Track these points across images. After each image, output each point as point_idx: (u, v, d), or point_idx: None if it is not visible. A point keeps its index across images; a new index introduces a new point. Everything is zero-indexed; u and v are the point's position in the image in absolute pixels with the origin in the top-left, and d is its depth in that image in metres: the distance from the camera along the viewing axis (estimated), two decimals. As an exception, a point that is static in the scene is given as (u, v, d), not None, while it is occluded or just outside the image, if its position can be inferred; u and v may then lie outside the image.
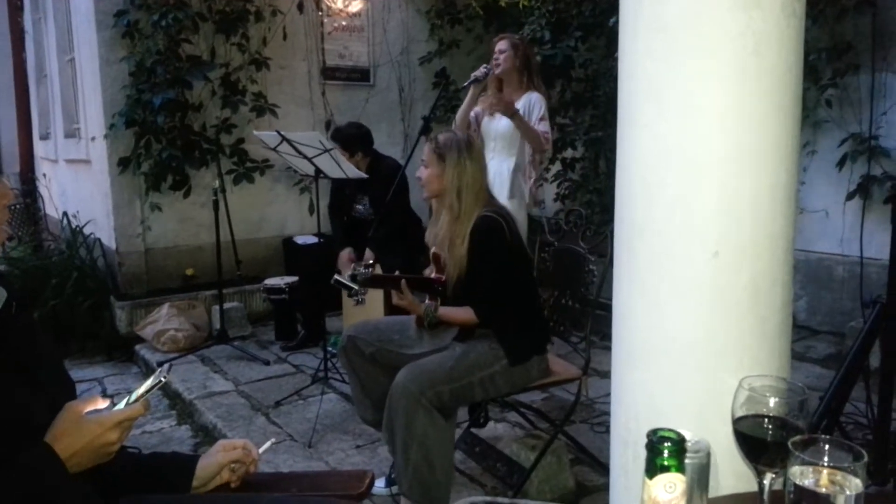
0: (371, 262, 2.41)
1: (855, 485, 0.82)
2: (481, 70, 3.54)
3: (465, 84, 3.62)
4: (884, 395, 2.31)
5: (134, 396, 1.11)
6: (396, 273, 2.45)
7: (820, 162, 4.05)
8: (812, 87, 3.88)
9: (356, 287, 2.37)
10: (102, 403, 1.10)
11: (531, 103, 3.55)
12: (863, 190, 3.84)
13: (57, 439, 1.04)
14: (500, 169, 3.54)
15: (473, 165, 2.38)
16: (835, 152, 3.97)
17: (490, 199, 2.45)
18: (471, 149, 2.41)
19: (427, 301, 2.45)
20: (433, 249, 2.51)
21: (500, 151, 3.58)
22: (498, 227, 2.33)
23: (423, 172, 2.44)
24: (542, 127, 3.55)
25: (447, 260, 2.38)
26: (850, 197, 3.93)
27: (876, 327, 2.38)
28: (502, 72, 3.54)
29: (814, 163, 4.07)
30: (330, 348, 3.74)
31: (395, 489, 2.48)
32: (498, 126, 3.58)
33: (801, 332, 4.16)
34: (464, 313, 2.37)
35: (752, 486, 1.28)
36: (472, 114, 3.65)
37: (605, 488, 2.56)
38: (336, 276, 2.46)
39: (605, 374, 3.52)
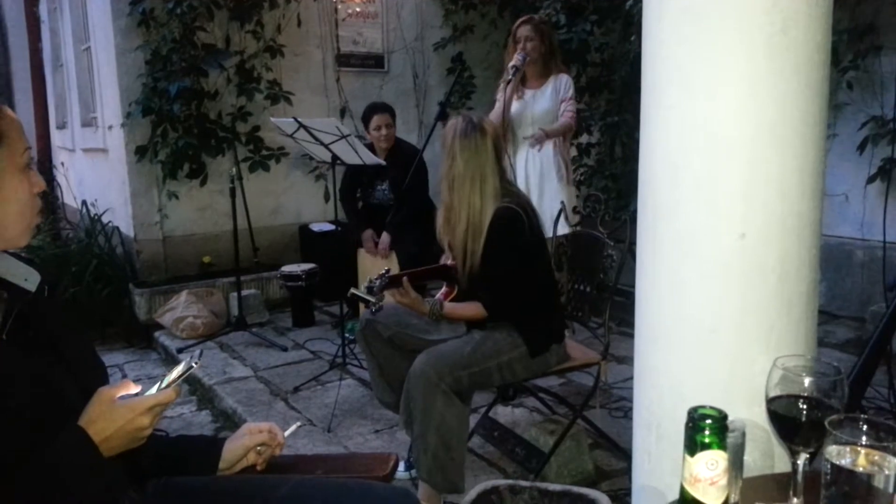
0: (386, 270, 2.38)
1: (893, 464, 0.82)
2: (517, 58, 3.49)
3: (509, 77, 3.51)
4: (907, 380, 2.29)
5: (165, 382, 1.12)
6: (392, 273, 2.39)
7: (840, 145, 4.00)
8: (832, 69, 3.82)
9: (373, 299, 2.35)
10: (134, 389, 1.10)
11: (560, 83, 3.55)
12: (884, 173, 3.80)
13: (90, 423, 1.05)
14: (545, 153, 3.54)
15: (467, 152, 2.27)
16: (855, 136, 3.92)
17: (507, 187, 2.37)
18: (467, 135, 2.28)
19: (444, 289, 2.45)
20: (448, 238, 2.50)
21: None
22: (517, 218, 2.27)
23: (442, 170, 2.38)
24: (571, 107, 3.55)
25: (456, 252, 2.34)
26: (871, 180, 3.88)
27: (899, 311, 2.36)
28: (532, 59, 3.52)
29: (834, 146, 4.02)
30: (347, 334, 3.76)
31: (414, 472, 2.50)
32: (535, 109, 3.56)
33: (821, 316, 4.07)
34: (472, 308, 2.35)
35: (779, 468, 1.28)
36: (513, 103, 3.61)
37: (624, 472, 2.57)
38: (352, 290, 2.44)
39: (623, 360, 3.52)
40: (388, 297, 2.43)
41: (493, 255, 2.27)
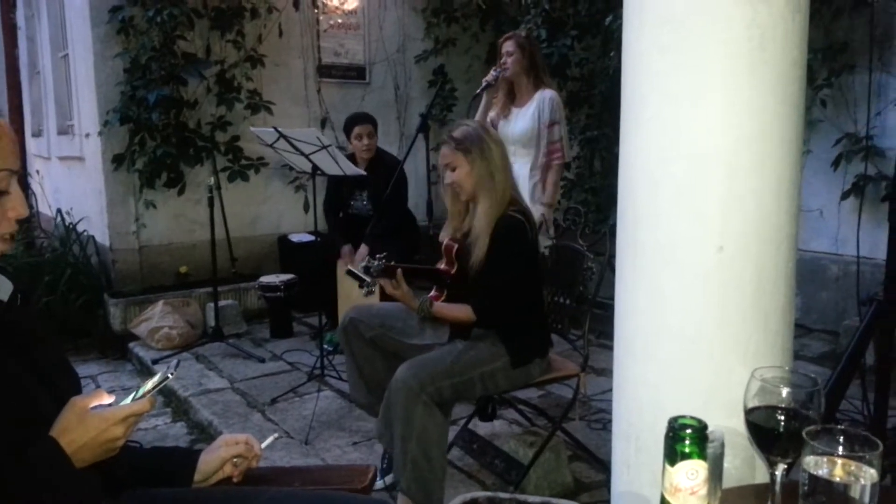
0: (384, 253, 2.38)
1: (870, 475, 0.83)
2: (492, 74, 3.51)
3: (478, 91, 3.56)
4: (880, 392, 2.32)
5: (140, 392, 1.10)
6: (392, 262, 2.38)
7: (814, 162, 4.06)
8: (807, 86, 3.89)
9: (368, 279, 2.34)
10: (108, 399, 1.08)
11: (543, 103, 3.50)
12: (858, 189, 3.86)
13: (62, 434, 1.03)
14: (521, 172, 3.49)
15: (497, 147, 2.35)
16: (829, 152, 3.98)
17: (514, 195, 2.40)
18: (489, 133, 2.38)
19: (433, 293, 2.45)
20: (446, 241, 2.49)
21: (520, 155, 3.54)
22: (521, 228, 2.30)
23: (452, 177, 2.34)
24: (555, 134, 3.51)
25: (477, 248, 2.30)
26: (844, 196, 3.94)
27: (873, 324, 2.39)
28: (512, 74, 3.52)
29: (808, 162, 4.08)
30: (326, 346, 3.73)
31: (388, 479, 2.49)
32: (514, 129, 3.55)
33: (796, 330, 4.10)
34: (461, 311, 2.34)
35: (760, 476, 1.29)
36: (488, 119, 3.62)
37: (602, 484, 2.57)
38: (349, 267, 2.45)
39: (602, 372, 3.53)
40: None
41: (494, 261, 2.27)
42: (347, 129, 4.12)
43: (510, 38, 3.57)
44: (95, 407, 1.06)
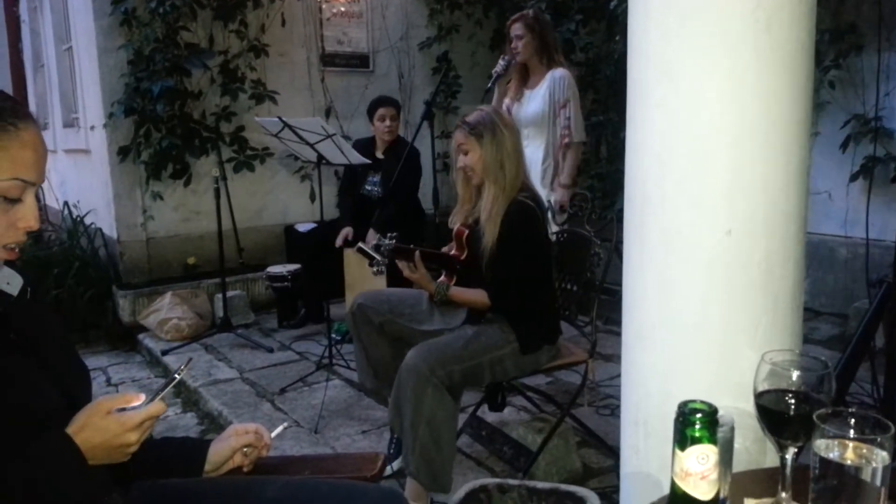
0: (395, 233, 2.38)
1: (882, 457, 0.82)
2: (500, 64, 3.47)
3: (489, 85, 3.54)
4: (889, 374, 2.31)
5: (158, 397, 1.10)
6: (411, 245, 2.40)
7: (823, 144, 4.03)
8: (815, 68, 3.85)
9: (378, 258, 2.35)
10: (136, 401, 1.07)
11: (555, 83, 3.45)
12: (866, 171, 3.83)
13: (77, 431, 1.04)
14: (534, 157, 3.46)
15: (511, 134, 2.34)
16: (837, 134, 3.95)
17: (524, 180, 2.40)
18: (503, 119, 2.38)
19: (442, 278, 2.45)
20: (457, 226, 2.49)
21: (533, 137, 3.50)
22: (533, 214, 2.31)
23: (465, 161, 2.34)
24: (564, 115, 3.46)
25: (487, 234, 2.30)
26: (853, 178, 3.92)
27: (882, 307, 2.38)
28: (524, 58, 3.46)
29: (817, 144, 4.05)
30: (334, 335, 3.74)
31: (395, 465, 2.51)
32: (527, 111, 3.52)
33: (805, 313, 4.12)
34: (477, 295, 2.35)
35: (765, 461, 1.29)
36: (503, 106, 3.58)
37: (611, 470, 2.57)
38: (360, 244, 2.46)
39: (610, 358, 3.53)
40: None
41: (504, 247, 2.28)
42: (371, 110, 4.20)
43: (518, 21, 3.48)
44: (121, 409, 1.06)
